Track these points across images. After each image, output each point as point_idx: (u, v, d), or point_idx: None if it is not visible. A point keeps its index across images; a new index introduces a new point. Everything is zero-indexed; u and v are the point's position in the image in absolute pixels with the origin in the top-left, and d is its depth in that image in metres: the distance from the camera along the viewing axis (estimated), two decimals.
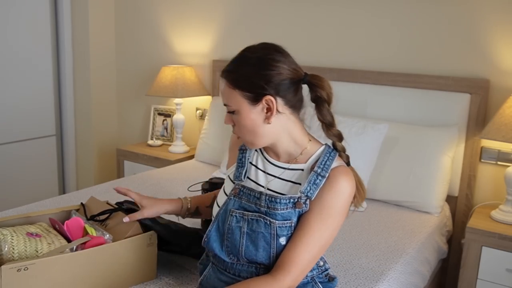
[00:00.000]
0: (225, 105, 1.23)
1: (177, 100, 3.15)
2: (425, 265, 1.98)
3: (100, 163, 3.66)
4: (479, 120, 2.31)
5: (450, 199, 2.40)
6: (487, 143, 2.33)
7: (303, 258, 1.17)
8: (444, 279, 2.48)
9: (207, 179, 2.00)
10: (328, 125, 1.25)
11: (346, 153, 1.29)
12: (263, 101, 1.19)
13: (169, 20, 3.35)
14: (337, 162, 1.24)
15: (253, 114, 1.19)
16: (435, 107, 2.39)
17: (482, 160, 2.36)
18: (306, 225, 1.18)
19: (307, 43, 2.80)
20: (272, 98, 1.18)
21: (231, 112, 1.22)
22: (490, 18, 2.28)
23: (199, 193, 2.03)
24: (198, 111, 3.30)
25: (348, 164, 1.28)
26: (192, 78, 3.14)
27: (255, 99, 1.19)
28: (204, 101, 3.27)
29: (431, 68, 2.45)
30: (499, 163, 2.33)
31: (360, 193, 1.27)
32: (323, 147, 1.27)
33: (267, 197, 1.20)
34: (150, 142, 3.33)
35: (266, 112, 1.20)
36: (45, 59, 3.41)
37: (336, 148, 1.27)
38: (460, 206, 2.41)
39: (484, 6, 2.29)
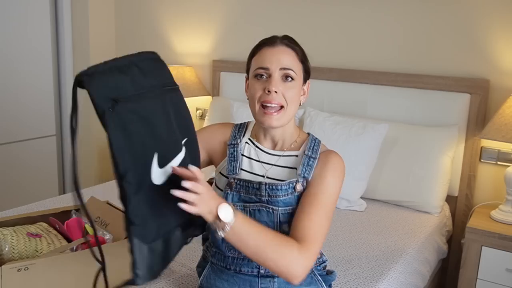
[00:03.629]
0: (287, 68, 1.23)
1: None
2: (425, 265, 1.98)
3: (100, 163, 3.66)
4: (479, 120, 2.31)
5: (450, 199, 2.40)
6: (487, 143, 2.33)
7: (319, 229, 1.17)
8: (444, 279, 2.48)
9: (207, 179, 2.00)
10: None
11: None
12: (306, 83, 1.31)
13: (169, 20, 3.35)
14: (322, 147, 1.31)
15: (300, 91, 1.28)
16: (435, 107, 2.39)
17: (482, 160, 2.36)
18: (312, 197, 1.20)
19: (307, 43, 2.77)
20: (309, 83, 1.32)
21: (287, 79, 1.23)
22: (490, 18, 2.28)
23: None
24: (198, 111, 3.30)
25: None
26: (192, 78, 3.14)
27: (305, 79, 1.30)
28: (204, 101, 3.27)
29: (431, 68, 2.45)
30: (499, 163, 2.33)
31: None
32: (310, 136, 1.33)
33: (267, 186, 1.22)
34: None
35: (302, 95, 1.29)
36: (45, 59, 3.41)
37: None
38: (460, 206, 2.41)
39: (484, 6, 2.29)
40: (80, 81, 0.97)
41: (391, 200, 2.35)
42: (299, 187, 1.22)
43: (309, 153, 1.25)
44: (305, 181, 1.23)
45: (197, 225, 1.19)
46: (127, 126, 0.98)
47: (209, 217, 1.06)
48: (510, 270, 2.03)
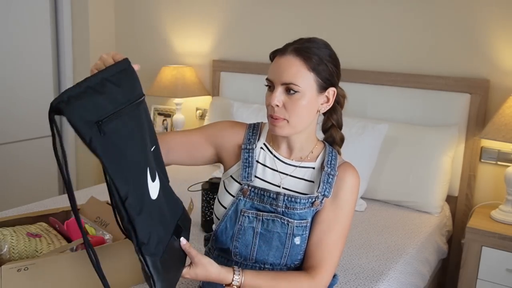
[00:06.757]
0: (287, 83, 1.16)
1: (177, 100, 3.15)
2: (425, 265, 1.98)
3: (100, 163, 3.65)
4: (479, 120, 2.31)
5: (450, 199, 2.40)
6: (487, 143, 2.33)
7: (334, 255, 1.20)
8: (444, 279, 2.48)
9: (207, 179, 2.00)
10: (339, 127, 1.35)
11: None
12: (327, 91, 1.22)
13: (169, 20, 3.35)
14: (339, 159, 1.29)
15: (315, 101, 1.20)
16: (435, 107, 2.39)
17: (482, 160, 2.36)
18: (329, 222, 1.21)
19: None
20: (335, 91, 1.24)
21: (290, 92, 1.17)
22: (490, 18, 2.28)
23: (199, 193, 2.03)
24: (198, 111, 3.30)
25: None
26: (192, 78, 3.14)
27: (324, 88, 1.21)
28: (204, 101, 3.27)
29: (431, 68, 2.45)
30: (499, 163, 2.33)
31: None
32: (326, 146, 1.31)
33: (285, 197, 1.20)
34: None
35: (322, 103, 1.23)
36: (45, 59, 3.41)
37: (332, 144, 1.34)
38: (460, 206, 2.41)
39: (484, 7, 2.29)
40: (58, 109, 0.92)
41: (391, 200, 2.35)
42: (317, 203, 1.21)
43: (328, 170, 1.23)
44: (324, 199, 1.22)
45: (187, 230, 1.20)
46: (117, 147, 0.95)
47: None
48: (510, 270, 2.03)
